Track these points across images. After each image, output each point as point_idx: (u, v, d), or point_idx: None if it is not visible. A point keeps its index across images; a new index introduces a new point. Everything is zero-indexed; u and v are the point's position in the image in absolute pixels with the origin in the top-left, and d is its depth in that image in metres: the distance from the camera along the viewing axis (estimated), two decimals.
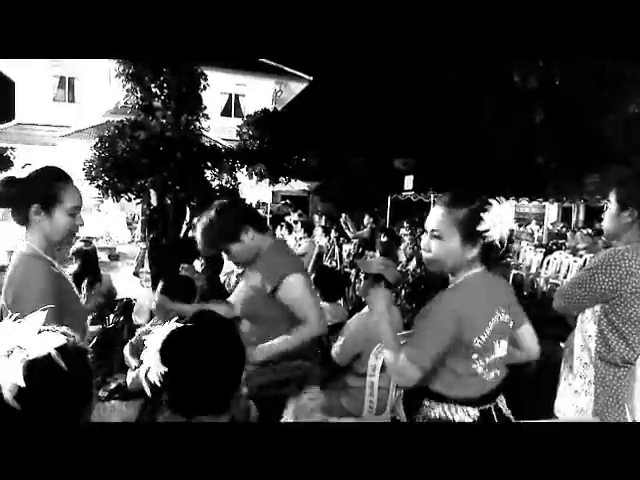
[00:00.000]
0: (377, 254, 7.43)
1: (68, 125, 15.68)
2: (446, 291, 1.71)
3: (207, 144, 4.35)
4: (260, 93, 18.29)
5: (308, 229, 8.89)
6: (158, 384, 1.24)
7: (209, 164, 4.21)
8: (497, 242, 1.63)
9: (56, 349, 0.95)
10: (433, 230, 1.69)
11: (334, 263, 8.48)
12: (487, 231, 1.60)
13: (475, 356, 1.65)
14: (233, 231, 2.28)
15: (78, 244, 4.26)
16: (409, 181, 13.65)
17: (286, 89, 17.92)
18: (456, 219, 1.64)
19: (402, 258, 7.65)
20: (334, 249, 8.72)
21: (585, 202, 15.32)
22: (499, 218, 1.61)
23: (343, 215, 8.37)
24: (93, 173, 3.85)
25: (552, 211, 18.76)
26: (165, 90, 3.92)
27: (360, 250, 7.76)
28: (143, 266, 4.70)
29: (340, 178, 14.73)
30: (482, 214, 1.60)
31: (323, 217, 11.64)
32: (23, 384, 0.90)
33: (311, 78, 18.12)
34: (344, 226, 8.16)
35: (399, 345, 1.69)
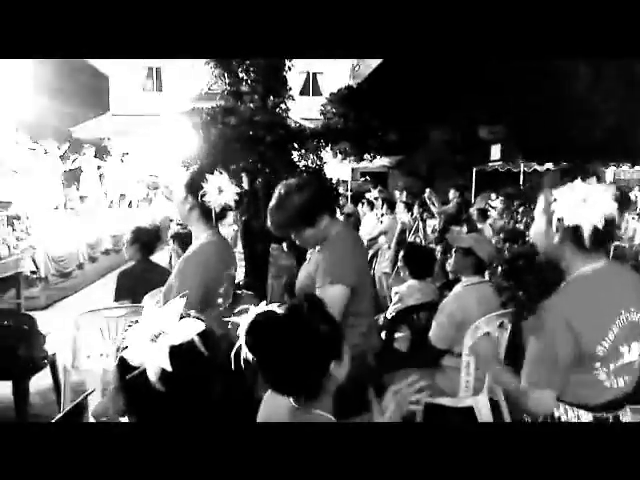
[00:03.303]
0: (464, 229, 7.17)
1: (157, 113, 16.47)
2: (553, 296, 1.53)
3: (293, 125, 4.41)
4: (338, 69, 18.11)
5: (390, 205, 8.76)
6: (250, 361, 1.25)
7: (296, 145, 4.27)
8: (587, 227, 1.42)
9: (198, 335, 1.02)
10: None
11: (418, 239, 8.30)
12: (562, 216, 1.44)
13: (597, 364, 1.48)
14: (309, 214, 2.07)
15: (174, 227, 4.50)
16: (496, 151, 12.99)
17: (363, 63, 17.62)
18: (545, 200, 1.53)
19: (488, 232, 7.31)
20: (418, 225, 8.53)
21: None
22: (580, 201, 1.42)
23: (427, 190, 8.13)
24: (188, 160, 4.05)
25: None
26: (252, 74, 3.99)
27: (446, 226, 7.54)
28: (236, 247, 4.93)
29: (422, 151, 14.35)
30: (557, 196, 1.45)
31: (404, 192, 11.41)
32: (170, 368, 0.96)
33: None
34: (428, 201, 7.94)
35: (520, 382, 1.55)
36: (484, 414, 2.96)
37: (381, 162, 16.50)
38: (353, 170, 16.64)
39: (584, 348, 1.44)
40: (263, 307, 1.26)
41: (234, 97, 4.01)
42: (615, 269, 1.57)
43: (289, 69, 4.24)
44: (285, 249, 4.90)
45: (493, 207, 9.68)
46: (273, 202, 2.13)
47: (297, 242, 2.20)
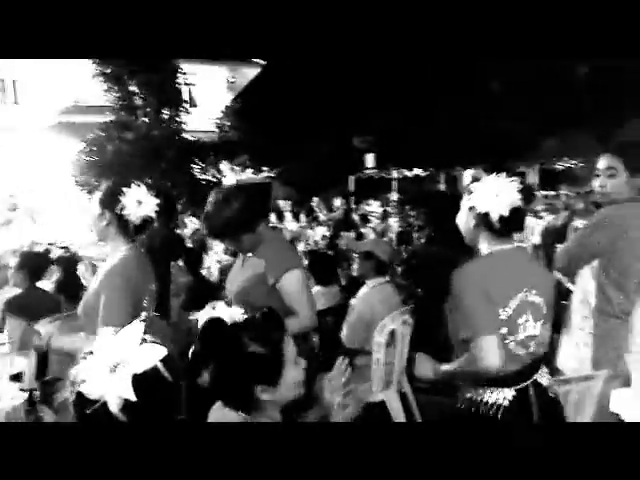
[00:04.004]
0: (352, 235, 7.51)
1: (13, 128, 14.93)
2: (466, 266, 1.73)
3: (191, 139, 4.29)
4: (212, 81, 17.84)
5: (278, 215, 8.87)
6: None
7: (196, 160, 4.16)
8: (494, 214, 1.66)
9: (160, 360, 0.98)
10: None
11: (307, 247, 8.49)
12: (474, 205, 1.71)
13: (504, 330, 1.66)
14: (249, 221, 2.12)
15: (57, 251, 4.12)
16: (371, 159, 13.74)
17: (239, 75, 17.56)
18: (467, 192, 1.79)
19: (371, 236, 7.71)
20: (306, 233, 8.74)
21: (541, 165, 15.88)
22: (489, 192, 1.66)
23: (316, 199, 8.40)
24: (82, 178, 3.73)
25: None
26: (145, 87, 3.83)
27: (335, 232, 7.83)
28: None
29: (301, 161, 14.65)
30: (473, 188, 1.71)
31: (289, 202, 11.60)
32: (134, 398, 0.91)
33: (264, 62, 17.79)
34: (317, 209, 8.20)
35: (459, 360, 1.74)
36: (395, 407, 3.14)
37: (264, 173, 16.58)
38: (238, 182, 16.50)
39: (494, 309, 1.66)
40: (221, 310, 1.26)
41: (126, 111, 3.82)
42: (521, 252, 1.84)
43: (182, 82, 4.15)
44: (181, 266, 4.74)
45: (371, 212, 10.26)
46: (211, 208, 2.12)
47: (233, 247, 2.22)
